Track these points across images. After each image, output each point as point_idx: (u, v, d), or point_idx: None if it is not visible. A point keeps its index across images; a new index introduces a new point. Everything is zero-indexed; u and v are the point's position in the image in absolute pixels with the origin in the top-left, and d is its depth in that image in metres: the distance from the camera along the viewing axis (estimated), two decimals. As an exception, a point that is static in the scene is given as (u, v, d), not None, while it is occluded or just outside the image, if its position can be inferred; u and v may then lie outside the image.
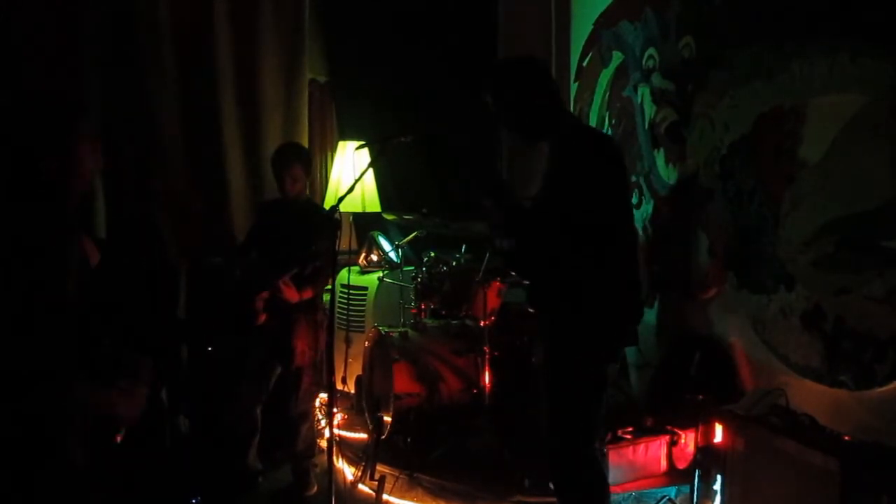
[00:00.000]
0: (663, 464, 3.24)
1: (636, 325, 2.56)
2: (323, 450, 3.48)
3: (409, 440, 3.53)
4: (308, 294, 3.26)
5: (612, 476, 3.09)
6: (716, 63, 3.20)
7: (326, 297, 3.81)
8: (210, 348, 3.73)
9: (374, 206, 4.58)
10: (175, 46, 4.19)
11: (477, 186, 2.53)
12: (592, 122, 4.27)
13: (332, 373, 2.63)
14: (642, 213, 3.80)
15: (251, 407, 3.37)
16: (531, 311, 2.71)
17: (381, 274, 4.38)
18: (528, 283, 2.69)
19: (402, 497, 3.21)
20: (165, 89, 4.17)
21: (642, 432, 3.25)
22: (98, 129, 2.37)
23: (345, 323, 4.38)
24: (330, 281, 3.44)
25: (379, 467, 3.38)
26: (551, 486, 3.05)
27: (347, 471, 3.55)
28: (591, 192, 2.33)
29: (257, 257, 3.40)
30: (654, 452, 3.22)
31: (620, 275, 2.42)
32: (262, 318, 3.18)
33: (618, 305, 2.42)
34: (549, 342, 2.50)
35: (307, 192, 3.54)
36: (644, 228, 3.79)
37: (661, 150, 3.64)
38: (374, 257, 4.53)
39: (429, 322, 3.99)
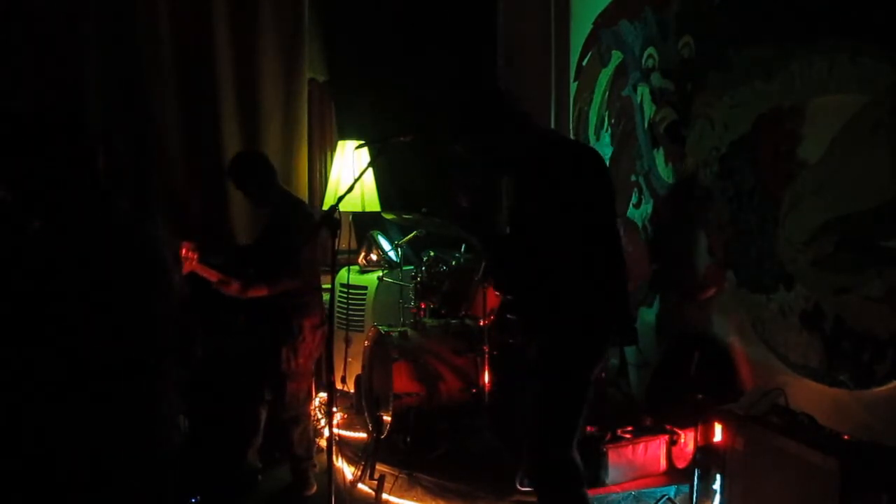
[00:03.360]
0: (663, 463, 3.24)
1: (622, 326, 2.57)
2: (323, 449, 3.48)
3: (408, 440, 3.53)
4: (259, 292, 3.17)
5: (612, 475, 3.10)
6: (715, 63, 3.20)
7: (324, 296, 3.82)
8: (209, 348, 3.72)
9: (373, 205, 4.58)
10: (174, 46, 4.19)
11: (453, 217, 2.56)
12: (592, 122, 4.28)
13: (331, 372, 2.63)
14: (642, 212, 3.80)
15: (252, 406, 3.37)
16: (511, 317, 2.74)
17: (380, 273, 4.38)
18: (507, 297, 2.71)
19: (401, 496, 3.21)
20: (165, 89, 4.16)
21: (642, 432, 3.26)
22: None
23: (344, 322, 4.39)
24: (327, 279, 3.44)
25: (378, 467, 3.38)
26: (519, 484, 3.12)
27: (347, 470, 3.55)
28: (562, 207, 2.35)
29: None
30: (653, 452, 3.22)
31: (602, 280, 2.43)
32: (242, 318, 3.17)
33: (601, 312, 2.43)
34: (535, 348, 2.51)
35: (276, 193, 3.43)
36: (644, 228, 3.79)
37: (661, 149, 3.64)
38: (374, 257, 4.53)
39: (428, 321, 3.99)
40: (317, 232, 3.13)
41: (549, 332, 2.44)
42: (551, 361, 2.43)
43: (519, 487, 3.14)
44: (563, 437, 2.40)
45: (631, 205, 3.87)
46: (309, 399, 3.54)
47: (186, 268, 3.02)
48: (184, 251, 2.98)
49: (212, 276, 3.10)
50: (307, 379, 3.42)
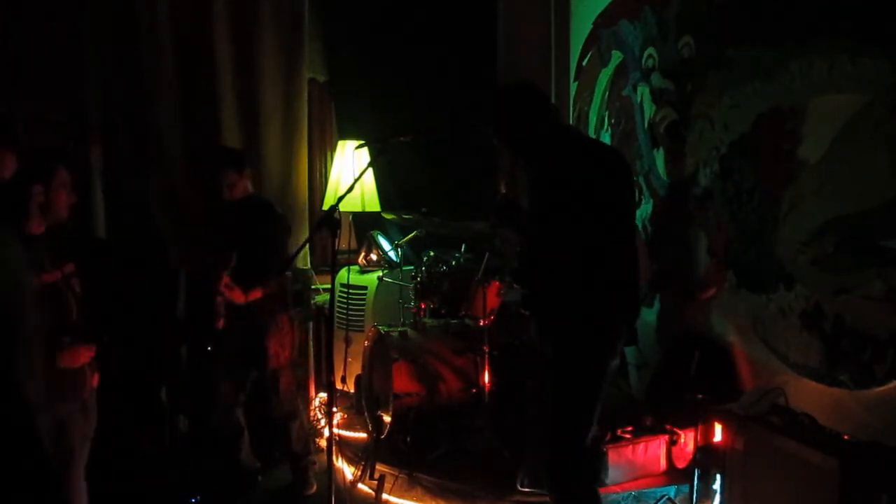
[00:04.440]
0: (663, 463, 3.24)
1: (632, 322, 2.60)
2: (322, 449, 3.48)
3: (408, 440, 3.53)
4: (256, 294, 3.18)
5: (612, 475, 3.10)
6: (716, 63, 3.20)
7: (324, 296, 3.82)
8: (210, 348, 3.73)
9: (373, 205, 4.58)
10: (175, 47, 4.19)
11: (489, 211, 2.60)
12: (592, 122, 4.28)
13: (331, 372, 2.63)
14: (642, 212, 3.80)
15: (230, 409, 3.36)
16: (526, 313, 2.75)
17: (380, 273, 4.38)
18: (526, 290, 2.73)
19: (401, 496, 3.21)
20: (165, 89, 4.16)
21: (642, 432, 3.26)
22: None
23: (344, 322, 4.38)
24: (328, 279, 3.44)
25: (378, 467, 3.39)
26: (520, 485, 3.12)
27: (347, 470, 3.55)
28: (584, 205, 2.38)
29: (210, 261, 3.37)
30: (653, 452, 3.22)
31: (616, 276, 2.46)
32: (220, 322, 3.16)
33: (615, 305, 2.46)
34: (550, 345, 2.53)
35: (250, 191, 3.42)
36: (644, 228, 3.79)
37: (661, 149, 3.64)
38: (374, 257, 4.53)
39: (428, 321, 3.99)
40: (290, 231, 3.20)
41: (563, 328, 2.47)
42: (565, 357, 2.45)
43: (519, 488, 3.14)
44: (577, 434, 2.43)
45: (631, 205, 3.87)
46: (299, 391, 3.56)
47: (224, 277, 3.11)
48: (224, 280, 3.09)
49: (226, 279, 3.13)
50: (293, 371, 3.47)
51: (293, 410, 3.40)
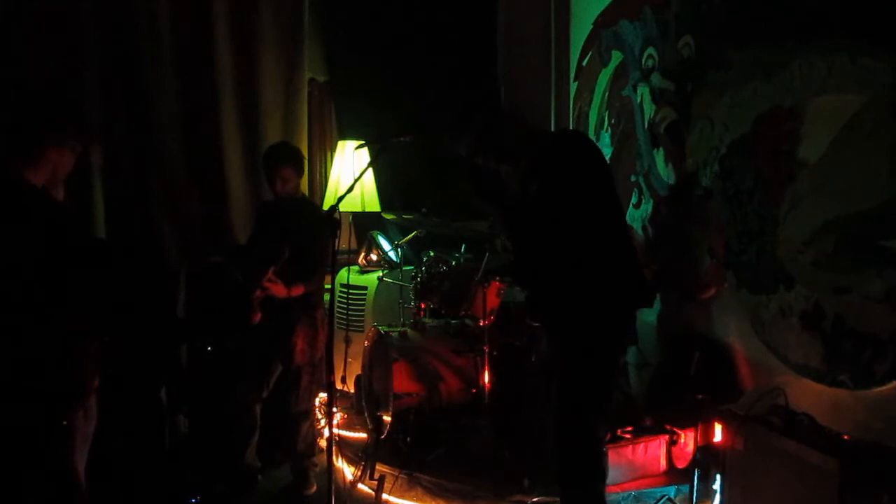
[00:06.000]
0: (663, 463, 3.24)
1: (642, 306, 2.64)
2: (323, 449, 3.48)
3: (408, 440, 3.53)
4: (298, 290, 3.22)
5: (612, 476, 3.09)
6: (715, 63, 3.20)
7: (327, 296, 3.82)
8: (209, 348, 3.72)
9: (373, 205, 4.58)
10: (174, 46, 4.19)
11: (476, 190, 2.59)
12: (592, 122, 4.28)
13: (331, 372, 2.64)
14: (642, 212, 3.80)
15: (250, 405, 3.37)
16: (535, 324, 2.76)
17: (380, 273, 4.38)
18: (527, 294, 2.73)
19: (401, 496, 3.21)
20: (165, 89, 4.16)
21: (642, 432, 3.26)
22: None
23: (344, 322, 4.38)
24: (328, 279, 3.44)
25: (378, 467, 3.39)
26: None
27: (347, 470, 3.55)
28: (571, 195, 2.40)
29: (250, 256, 3.39)
30: (653, 452, 3.22)
31: (616, 265, 2.48)
32: (257, 316, 3.17)
33: (618, 296, 2.48)
34: (557, 343, 2.54)
35: (300, 191, 3.51)
36: (644, 228, 3.79)
37: (661, 149, 3.64)
38: (374, 257, 4.53)
39: (428, 321, 3.99)
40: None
41: (570, 327, 2.47)
42: (574, 356, 2.46)
43: (528, 501, 3.11)
44: (587, 433, 2.44)
45: (631, 205, 3.87)
46: (317, 391, 3.57)
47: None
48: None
49: (270, 273, 3.15)
50: (319, 371, 3.46)
51: (308, 410, 3.42)
